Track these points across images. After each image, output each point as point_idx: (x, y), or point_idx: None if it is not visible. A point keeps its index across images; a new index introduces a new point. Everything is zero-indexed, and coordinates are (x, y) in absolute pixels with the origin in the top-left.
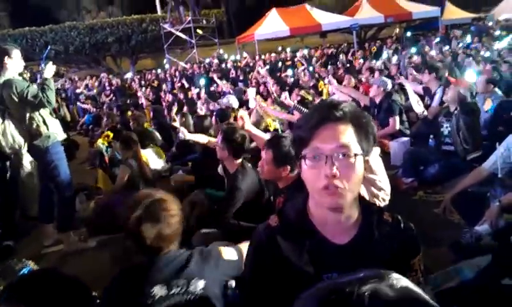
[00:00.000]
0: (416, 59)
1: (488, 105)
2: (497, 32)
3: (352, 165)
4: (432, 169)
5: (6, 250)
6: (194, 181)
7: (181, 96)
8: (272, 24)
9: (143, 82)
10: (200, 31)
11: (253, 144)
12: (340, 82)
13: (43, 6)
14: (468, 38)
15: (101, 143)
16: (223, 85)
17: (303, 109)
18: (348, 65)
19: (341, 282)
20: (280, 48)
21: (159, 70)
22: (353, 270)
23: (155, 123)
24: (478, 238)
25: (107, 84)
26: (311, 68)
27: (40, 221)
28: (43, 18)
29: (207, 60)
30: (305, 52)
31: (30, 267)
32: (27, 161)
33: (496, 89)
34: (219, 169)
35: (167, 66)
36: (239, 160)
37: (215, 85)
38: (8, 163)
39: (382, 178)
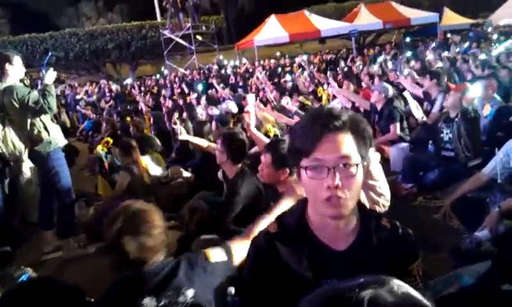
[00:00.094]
0: (413, 64)
1: (486, 111)
2: (495, 36)
3: (354, 175)
4: (432, 175)
5: (4, 256)
6: (192, 179)
7: (180, 102)
8: (272, 30)
9: (142, 89)
10: (199, 37)
11: (253, 150)
12: (339, 87)
13: (43, 13)
14: (466, 44)
15: (100, 149)
16: (223, 91)
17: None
18: (346, 69)
19: (341, 287)
20: (278, 54)
21: (158, 76)
22: (352, 276)
23: (155, 129)
24: (478, 244)
25: (106, 90)
26: (305, 73)
27: (40, 228)
28: (43, 24)
29: (206, 66)
30: (304, 57)
31: (29, 274)
32: (27, 167)
33: (495, 95)
34: (219, 174)
35: (166, 72)
36: (238, 165)
37: (214, 90)
38: (7, 169)
39: (382, 184)
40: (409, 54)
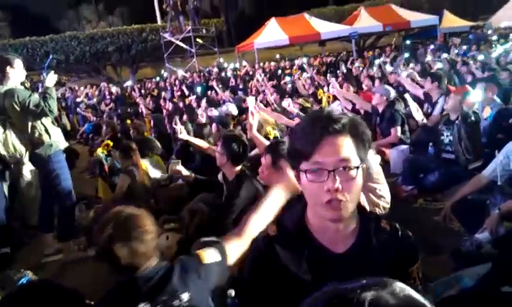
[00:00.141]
0: (413, 66)
1: (486, 113)
2: (494, 37)
3: (353, 178)
4: (432, 177)
5: (4, 258)
6: (192, 178)
7: (181, 104)
8: (272, 33)
9: (143, 91)
10: (199, 40)
11: (253, 153)
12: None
13: (43, 16)
14: (465, 46)
15: (100, 152)
16: (223, 94)
17: None
18: (345, 71)
19: (343, 288)
20: (277, 56)
21: (157, 78)
22: (352, 278)
23: (155, 132)
24: (478, 246)
25: (107, 93)
26: (305, 75)
27: (40, 230)
28: (43, 27)
29: (206, 68)
30: (304, 60)
31: (29, 277)
32: (27, 170)
33: (495, 97)
34: (219, 177)
35: (165, 74)
36: (238, 167)
37: (214, 92)
38: (7, 172)
39: (382, 186)
40: (406, 55)
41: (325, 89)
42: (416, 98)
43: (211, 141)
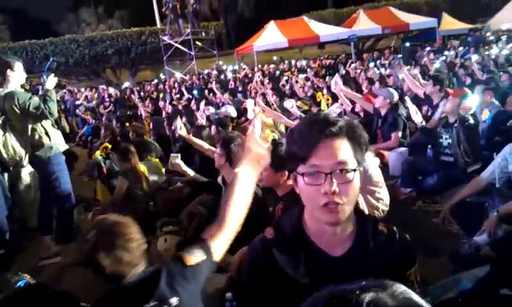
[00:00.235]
0: (410, 68)
1: (485, 115)
2: (492, 37)
3: (350, 181)
4: (431, 180)
5: (2, 260)
6: (191, 176)
7: (180, 106)
8: (271, 36)
9: (142, 94)
10: (199, 43)
11: None
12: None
13: (43, 19)
14: (461, 48)
15: (99, 155)
16: (222, 96)
17: None
18: (344, 73)
19: (343, 289)
20: (274, 58)
21: (156, 81)
22: (349, 281)
23: (154, 134)
24: (477, 249)
25: (106, 95)
26: (301, 76)
27: (39, 233)
28: (43, 31)
29: (206, 71)
30: (303, 63)
31: (26, 280)
32: (26, 173)
33: (493, 100)
34: (219, 179)
35: (163, 76)
36: (236, 170)
37: (212, 94)
38: (6, 174)
39: (381, 189)
40: (399, 56)
41: (324, 91)
42: (415, 100)
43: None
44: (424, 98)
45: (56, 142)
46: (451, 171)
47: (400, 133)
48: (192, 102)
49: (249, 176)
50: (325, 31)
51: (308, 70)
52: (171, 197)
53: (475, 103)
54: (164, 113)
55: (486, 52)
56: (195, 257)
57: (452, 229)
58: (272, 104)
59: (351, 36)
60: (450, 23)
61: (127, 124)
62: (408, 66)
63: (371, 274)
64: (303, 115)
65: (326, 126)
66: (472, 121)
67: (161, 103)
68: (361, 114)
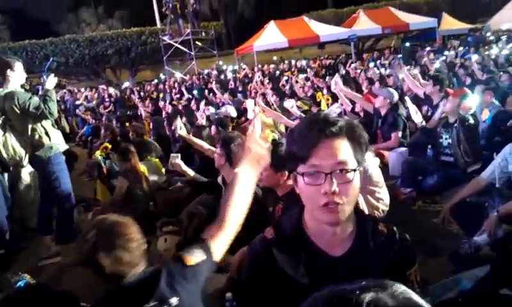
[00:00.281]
0: (408, 68)
1: (485, 115)
2: (492, 37)
3: (351, 181)
4: (431, 180)
5: (2, 260)
6: (191, 176)
7: (180, 106)
8: (271, 36)
9: (142, 94)
10: (199, 43)
11: None
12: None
13: (43, 19)
14: (461, 48)
15: (99, 155)
16: (222, 96)
17: None
18: (344, 73)
19: (343, 289)
20: (274, 58)
21: (156, 81)
22: (349, 281)
23: (154, 134)
24: (477, 249)
25: (106, 95)
26: (301, 76)
27: (39, 233)
28: (43, 31)
29: (206, 71)
30: (303, 63)
31: (26, 280)
32: (26, 173)
33: (494, 100)
34: (219, 179)
35: (162, 77)
36: (236, 170)
37: (211, 94)
38: (6, 174)
39: (381, 189)
40: (399, 56)
41: (324, 91)
42: (415, 100)
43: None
44: (424, 98)
45: (56, 142)
46: (451, 171)
47: (400, 134)
48: (192, 102)
49: (249, 176)
50: (325, 31)
51: (308, 70)
52: (171, 197)
53: (475, 103)
54: (164, 113)
55: (486, 52)
56: (195, 257)
57: (452, 229)
58: (272, 104)
59: (351, 36)
60: (450, 24)
61: (127, 124)
62: (408, 66)
63: (371, 274)
64: (303, 115)
65: (326, 126)
66: (471, 121)
67: (161, 103)
68: (361, 114)
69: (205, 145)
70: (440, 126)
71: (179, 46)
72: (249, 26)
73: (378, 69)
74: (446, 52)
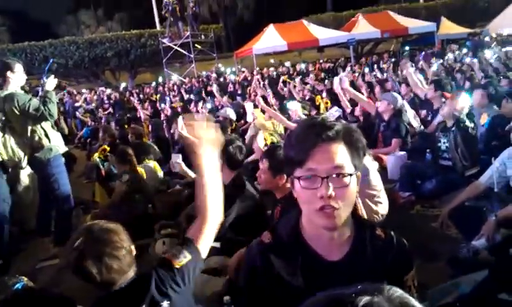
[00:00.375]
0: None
1: (484, 120)
2: (494, 44)
3: (347, 185)
4: (430, 184)
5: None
6: (191, 179)
7: (178, 108)
8: (270, 39)
9: (141, 96)
10: (198, 46)
11: (252, 157)
12: (336, 95)
13: (42, 21)
14: (463, 51)
15: (97, 157)
16: (221, 99)
17: None
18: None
19: (340, 293)
20: (272, 61)
21: (154, 83)
22: (346, 286)
23: (153, 137)
24: (475, 253)
25: (105, 98)
26: (297, 79)
27: (38, 234)
28: (42, 33)
29: (204, 73)
30: (302, 66)
31: (24, 283)
32: (25, 175)
33: (494, 106)
34: None
35: (160, 79)
36: (235, 172)
37: (210, 97)
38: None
39: (380, 193)
40: (393, 59)
41: (323, 94)
42: (412, 104)
43: None
44: (424, 102)
45: (56, 144)
46: (449, 176)
47: (401, 140)
48: (192, 105)
49: (212, 163)
50: (324, 34)
51: (310, 75)
52: (170, 199)
53: (467, 103)
54: (163, 115)
55: (484, 55)
56: (182, 258)
57: (451, 233)
58: (272, 105)
59: (350, 40)
60: (449, 28)
61: (126, 126)
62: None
63: (368, 278)
64: (303, 116)
65: (323, 130)
66: (468, 123)
67: (158, 105)
68: (361, 118)
69: None
70: (438, 131)
71: (178, 48)
72: (249, 29)
73: (375, 73)
74: (449, 55)
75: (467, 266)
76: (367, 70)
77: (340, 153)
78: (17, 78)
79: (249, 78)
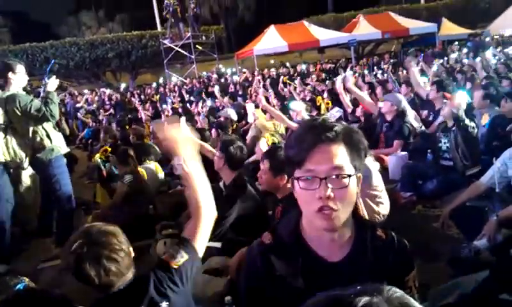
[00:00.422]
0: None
1: (485, 120)
2: (494, 45)
3: (346, 186)
4: (431, 185)
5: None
6: None
7: (180, 110)
8: (271, 40)
9: (142, 97)
10: (199, 47)
11: (253, 158)
12: (337, 96)
13: (43, 22)
14: (464, 51)
15: (98, 158)
16: (222, 100)
17: None
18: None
19: (339, 293)
20: (271, 62)
21: (154, 84)
22: (347, 287)
23: (154, 137)
24: (476, 253)
25: (106, 99)
26: (296, 81)
27: (40, 235)
28: (43, 34)
29: (204, 73)
30: (303, 67)
31: (25, 283)
32: (26, 176)
33: (496, 107)
34: (221, 184)
35: (161, 80)
36: (235, 172)
37: (210, 98)
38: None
39: (381, 193)
40: (392, 60)
41: (324, 95)
42: (413, 104)
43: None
44: (425, 102)
45: (58, 144)
46: (451, 176)
47: (402, 142)
48: (193, 106)
49: (194, 161)
50: (325, 35)
51: (311, 76)
52: (171, 200)
53: (464, 100)
54: (163, 116)
55: (485, 56)
56: (179, 258)
57: (452, 233)
58: (274, 106)
59: (351, 41)
60: (449, 29)
61: (127, 127)
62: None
63: (369, 279)
64: (306, 117)
65: (323, 131)
66: (467, 121)
67: (159, 105)
68: (362, 119)
69: (207, 147)
70: (438, 131)
71: (179, 49)
72: (250, 30)
73: (375, 73)
74: (452, 55)
75: (468, 266)
76: (366, 72)
77: (340, 154)
78: (19, 79)
79: (250, 79)
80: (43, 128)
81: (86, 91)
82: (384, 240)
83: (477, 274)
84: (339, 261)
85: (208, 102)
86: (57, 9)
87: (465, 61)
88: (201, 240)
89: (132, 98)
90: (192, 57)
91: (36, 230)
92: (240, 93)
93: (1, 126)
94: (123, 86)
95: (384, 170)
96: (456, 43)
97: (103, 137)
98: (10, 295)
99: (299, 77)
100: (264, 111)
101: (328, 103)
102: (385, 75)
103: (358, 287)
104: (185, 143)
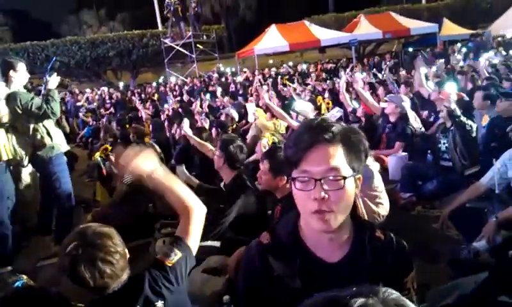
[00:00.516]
0: (404, 72)
1: (485, 121)
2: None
3: (342, 188)
4: (431, 185)
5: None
6: (195, 184)
7: (180, 109)
8: (272, 39)
9: (143, 96)
10: (200, 46)
11: (253, 157)
12: (337, 96)
13: (44, 21)
14: (463, 51)
15: (98, 156)
16: (223, 99)
17: None
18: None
19: (335, 294)
20: (270, 62)
21: (154, 83)
22: (344, 288)
23: (154, 136)
24: (476, 254)
25: (107, 97)
26: (295, 84)
27: (39, 233)
28: (44, 32)
29: (207, 74)
30: (304, 66)
31: (24, 281)
32: (26, 173)
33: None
34: (221, 185)
35: (161, 80)
36: (235, 171)
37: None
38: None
39: (381, 193)
40: (389, 62)
41: (325, 94)
42: (413, 105)
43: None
44: (426, 103)
45: (58, 142)
46: (450, 176)
47: (404, 144)
48: (194, 105)
49: (160, 169)
50: (326, 35)
51: (311, 75)
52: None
53: (454, 89)
54: (163, 116)
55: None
56: (173, 256)
57: (452, 234)
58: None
59: (351, 41)
60: (450, 29)
61: (127, 126)
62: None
63: (368, 280)
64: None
65: (320, 132)
66: (463, 118)
67: (159, 104)
68: (363, 119)
69: (208, 146)
70: (438, 132)
71: (180, 49)
72: (251, 29)
73: (375, 74)
74: (457, 56)
75: (467, 267)
76: (364, 74)
77: (337, 156)
78: (20, 77)
79: (250, 78)
80: (43, 125)
81: (87, 89)
82: (383, 241)
83: (476, 276)
84: (337, 262)
85: (207, 96)
86: (58, 7)
87: (461, 63)
88: (194, 238)
89: (133, 97)
90: (193, 56)
91: (36, 228)
92: (240, 92)
93: (5, 125)
94: (121, 84)
95: (384, 170)
96: (459, 44)
97: (103, 135)
98: (8, 292)
99: (297, 78)
100: (265, 110)
101: (328, 103)
102: (384, 75)
103: (354, 288)
104: (144, 158)
